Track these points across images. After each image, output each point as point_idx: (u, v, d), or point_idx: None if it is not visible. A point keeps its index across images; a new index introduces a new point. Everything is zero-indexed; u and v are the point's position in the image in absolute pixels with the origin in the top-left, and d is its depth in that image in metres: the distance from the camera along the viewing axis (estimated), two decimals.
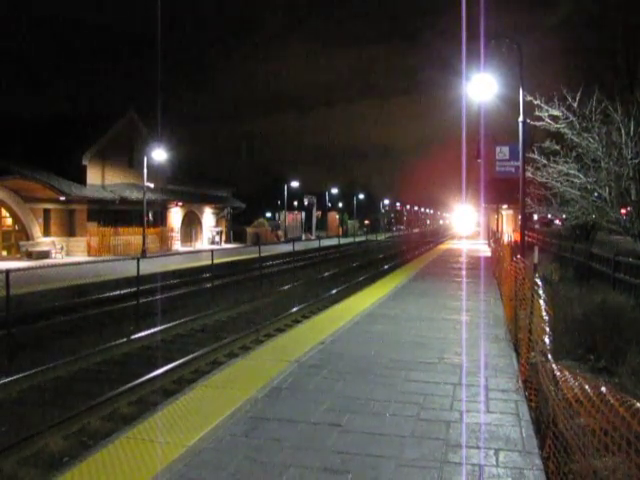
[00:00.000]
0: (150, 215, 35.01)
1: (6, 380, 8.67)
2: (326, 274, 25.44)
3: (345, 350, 7.99)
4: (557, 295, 11.39)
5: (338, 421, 5.16)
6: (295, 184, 61.68)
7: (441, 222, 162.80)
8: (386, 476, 4.09)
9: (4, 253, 27.16)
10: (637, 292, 11.87)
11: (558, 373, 3.70)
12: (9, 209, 27.40)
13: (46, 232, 28.82)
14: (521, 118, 13.59)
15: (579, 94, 13.19)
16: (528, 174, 14.98)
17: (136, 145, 35.55)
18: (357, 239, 54.90)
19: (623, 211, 15.13)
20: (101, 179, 32.56)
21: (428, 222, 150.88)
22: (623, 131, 13.06)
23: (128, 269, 17.15)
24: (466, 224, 76.34)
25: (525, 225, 16.10)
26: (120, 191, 32.47)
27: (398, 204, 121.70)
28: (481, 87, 14.40)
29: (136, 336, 12.06)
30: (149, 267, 18.98)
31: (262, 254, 24.18)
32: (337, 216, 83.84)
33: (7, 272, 11.18)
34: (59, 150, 30.32)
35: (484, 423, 5.11)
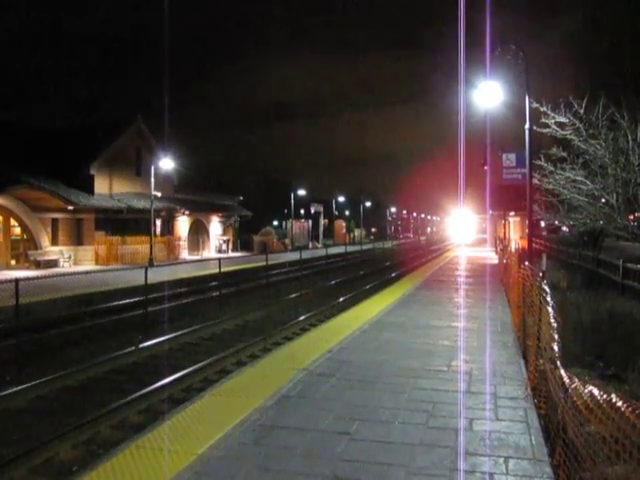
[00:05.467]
0: (157, 224, 35.14)
1: (16, 389, 8.72)
2: (333, 282, 25.44)
3: (353, 358, 7.98)
4: (565, 302, 11.36)
5: (347, 429, 5.15)
6: (302, 192, 61.75)
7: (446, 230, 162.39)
8: None
9: (13, 262, 27.31)
10: None
11: (567, 380, 3.69)
12: (18, 219, 27.59)
13: (54, 241, 28.97)
14: (527, 125, 13.60)
15: (585, 100, 13.20)
16: (535, 181, 14.97)
17: (143, 154, 35.74)
18: (364, 247, 54.82)
19: (631, 217, 15.09)
20: (109, 188, 32.74)
21: (435, 229, 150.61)
22: (630, 137, 13.04)
23: (136, 278, 17.21)
24: (467, 232, 76.08)
25: (532, 232, 16.07)
26: (127, 200, 32.63)
27: (405, 211, 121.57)
28: (487, 94, 14.41)
29: (144, 345, 12.10)
30: (157, 276, 19.04)
31: (269, 262, 24.22)
32: (344, 224, 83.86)
33: (16, 281, 11.25)
34: (67, 160, 30.49)
35: (493, 431, 5.09)
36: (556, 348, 4.46)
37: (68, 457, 6.53)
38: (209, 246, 43.60)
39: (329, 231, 77.94)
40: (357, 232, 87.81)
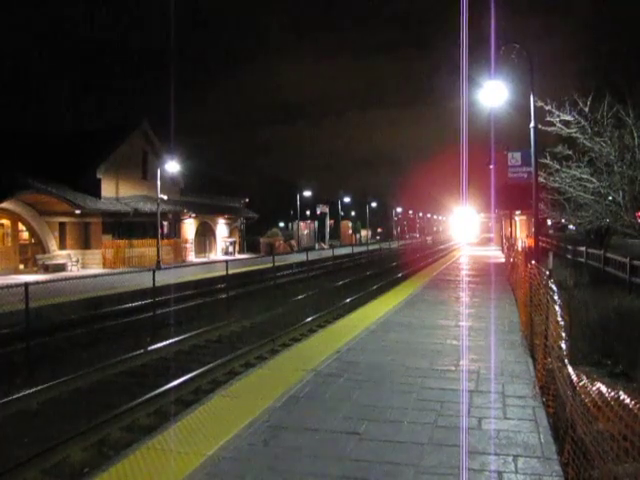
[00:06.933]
0: (164, 226, 35.25)
1: (27, 392, 8.78)
2: (340, 283, 25.45)
3: (361, 358, 8.00)
4: (573, 300, 11.34)
5: (356, 429, 5.18)
6: (307, 193, 61.82)
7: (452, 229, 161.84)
8: None
9: (21, 267, 27.44)
10: None
11: (575, 378, 3.70)
12: (25, 223, 27.73)
13: (62, 245, 29.11)
14: (532, 124, 13.58)
15: (590, 98, 13.19)
16: (541, 179, 14.95)
17: (149, 157, 35.88)
18: (370, 247, 54.80)
19: (638, 214, 15.04)
20: (115, 192, 32.88)
21: (441, 229, 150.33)
22: (635, 134, 13.02)
23: (143, 281, 17.28)
24: (472, 231, 75.96)
25: (539, 230, 16.04)
26: (134, 203, 32.75)
27: (410, 211, 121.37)
28: (491, 94, 14.38)
29: (153, 347, 12.15)
30: (164, 278, 19.11)
31: (276, 264, 24.27)
32: (350, 225, 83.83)
33: (26, 285, 11.34)
34: (74, 164, 30.66)
35: (502, 429, 5.10)
36: (564, 346, 4.46)
37: (79, 459, 6.59)
38: (216, 248, 43.70)
39: (335, 232, 77.95)
40: (363, 233, 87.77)
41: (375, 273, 30.88)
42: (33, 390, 8.88)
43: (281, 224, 69.08)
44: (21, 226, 27.86)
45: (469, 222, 79.33)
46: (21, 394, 8.69)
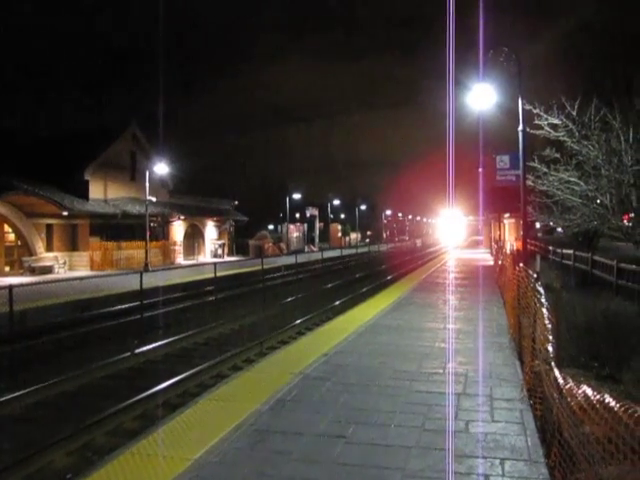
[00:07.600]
0: (153, 229, 35.08)
1: (10, 396, 8.67)
2: (329, 285, 25.43)
3: (349, 361, 7.97)
4: (560, 303, 11.34)
5: (343, 433, 5.14)
6: (297, 196, 61.86)
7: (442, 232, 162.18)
8: None
9: (7, 269, 27.20)
10: None
11: (561, 381, 3.70)
12: (12, 225, 27.49)
13: (49, 247, 28.89)
14: (520, 127, 13.64)
15: (578, 102, 13.26)
16: (529, 182, 15.01)
17: (138, 159, 35.70)
18: (360, 250, 54.83)
19: (625, 217, 15.15)
20: (103, 193, 32.68)
21: (430, 232, 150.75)
22: (622, 138, 13.11)
23: (131, 283, 17.17)
24: (461, 234, 76.27)
25: (527, 233, 16.09)
26: (122, 205, 32.57)
27: (400, 214, 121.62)
28: (480, 97, 14.43)
29: (140, 350, 12.06)
30: (152, 281, 18.99)
31: (265, 266, 24.16)
32: (339, 227, 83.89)
33: (10, 288, 11.22)
34: (61, 165, 30.43)
35: (489, 432, 5.09)
36: (550, 349, 4.47)
37: (62, 464, 6.50)
38: (205, 250, 43.53)
39: (325, 235, 77.93)
40: (353, 235, 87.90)
41: (364, 276, 30.90)
42: (16, 394, 8.76)
43: (270, 227, 68.96)
44: (7, 228, 27.62)
45: (457, 225, 79.64)
46: (4, 398, 8.57)
